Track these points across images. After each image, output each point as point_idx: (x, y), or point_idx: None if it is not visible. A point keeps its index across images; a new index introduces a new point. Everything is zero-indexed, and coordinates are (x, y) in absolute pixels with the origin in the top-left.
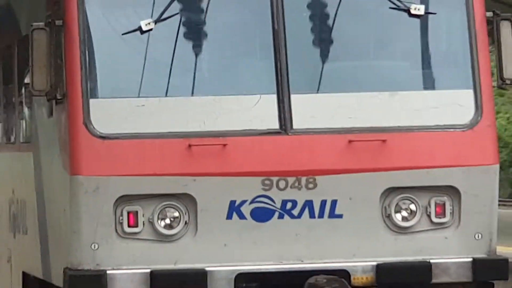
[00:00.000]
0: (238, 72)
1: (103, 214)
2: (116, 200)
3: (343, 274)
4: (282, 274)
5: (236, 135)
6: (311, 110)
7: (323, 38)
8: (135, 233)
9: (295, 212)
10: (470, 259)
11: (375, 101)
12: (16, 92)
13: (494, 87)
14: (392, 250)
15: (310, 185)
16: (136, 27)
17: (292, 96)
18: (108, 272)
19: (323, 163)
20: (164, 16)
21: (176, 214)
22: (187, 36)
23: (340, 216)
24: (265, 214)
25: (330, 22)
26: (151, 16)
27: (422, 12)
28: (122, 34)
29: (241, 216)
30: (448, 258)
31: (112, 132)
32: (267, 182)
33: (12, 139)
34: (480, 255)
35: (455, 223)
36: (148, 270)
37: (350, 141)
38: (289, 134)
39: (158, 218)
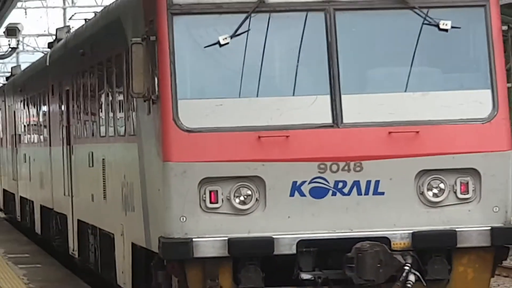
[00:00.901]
0: (298, 77)
1: (189, 193)
2: (200, 182)
3: (385, 240)
4: (334, 240)
5: (297, 128)
6: (358, 107)
7: (368, 48)
8: (216, 208)
9: (345, 190)
10: (489, 228)
11: (410, 99)
12: (125, 93)
13: (509, 87)
14: (425, 221)
15: (357, 168)
16: (215, 41)
17: (343, 96)
18: (194, 239)
19: (368, 150)
20: (238, 32)
21: (249, 192)
22: (256, 48)
23: (382, 193)
24: (321, 192)
25: (373, 35)
26: (227, 32)
27: (449, 26)
28: (204, 47)
29: (302, 194)
30: (471, 227)
31: (196, 126)
32: (322, 166)
33: (122, 132)
34: (497, 224)
35: (477, 199)
36: (226, 238)
37: (389, 133)
38: (340, 127)
39: (234, 196)
